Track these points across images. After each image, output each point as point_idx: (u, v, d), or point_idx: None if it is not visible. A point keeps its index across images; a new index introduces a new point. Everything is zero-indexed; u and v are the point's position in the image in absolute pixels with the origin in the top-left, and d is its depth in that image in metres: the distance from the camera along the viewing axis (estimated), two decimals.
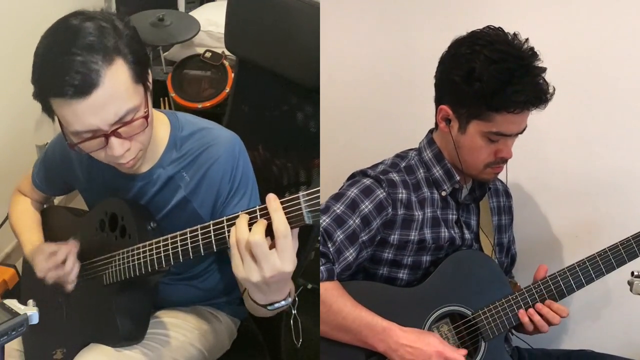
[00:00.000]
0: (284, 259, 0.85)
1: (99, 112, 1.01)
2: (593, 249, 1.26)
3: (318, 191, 0.84)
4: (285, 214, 0.85)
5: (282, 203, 0.86)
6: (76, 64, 0.98)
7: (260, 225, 0.86)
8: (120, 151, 1.07)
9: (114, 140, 1.06)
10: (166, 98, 2.41)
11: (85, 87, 0.98)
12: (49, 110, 1.06)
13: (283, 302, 0.96)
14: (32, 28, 1.10)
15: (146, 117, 1.08)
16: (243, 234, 0.87)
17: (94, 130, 1.04)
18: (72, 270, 1.23)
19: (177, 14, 2.54)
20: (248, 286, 0.92)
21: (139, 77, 1.06)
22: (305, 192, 0.85)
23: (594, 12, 1.50)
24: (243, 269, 0.88)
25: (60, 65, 0.98)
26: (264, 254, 0.85)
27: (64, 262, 1.23)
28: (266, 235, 0.86)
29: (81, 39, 0.99)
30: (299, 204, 0.85)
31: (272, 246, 0.86)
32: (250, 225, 0.88)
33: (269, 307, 0.96)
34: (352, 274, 1.22)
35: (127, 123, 1.05)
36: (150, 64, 1.13)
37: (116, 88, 1.02)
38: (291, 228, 0.86)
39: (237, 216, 0.90)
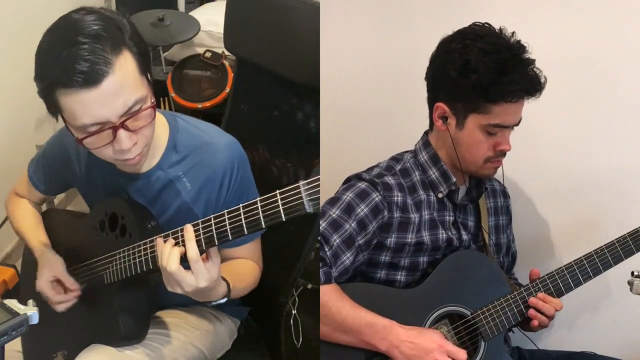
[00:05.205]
0: (198, 278, 1.02)
1: (108, 102, 1.01)
2: (592, 248, 1.26)
3: (318, 179, 0.86)
4: (286, 203, 0.91)
5: (283, 192, 0.92)
6: (83, 52, 0.97)
7: (175, 256, 1.02)
8: (129, 144, 1.06)
9: (122, 133, 1.04)
10: (166, 98, 2.40)
11: (95, 75, 0.98)
12: (54, 107, 1.05)
13: (221, 300, 1.13)
14: (32, 27, 1.10)
15: (154, 107, 1.08)
16: (163, 262, 1.03)
17: (103, 123, 1.03)
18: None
19: (177, 14, 2.54)
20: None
21: (144, 68, 1.06)
22: (305, 182, 0.87)
23: (593, 12, 1.50)
24: (169, 286, 1.06)
25: (68, 56, 0.98)
26: (181, 277, 1.02)
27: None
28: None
29: (86, 28, 0.99)
30: (299, 192, 0.87)
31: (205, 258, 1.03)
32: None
33: (211, 304, 1.13)
34: (350, 278, 1.22)
35: (135, 114, 1.04)
36: (150, 57, 1.14)
37: (125, 78, 1.02)
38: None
39: (237, 209, 0.98)
